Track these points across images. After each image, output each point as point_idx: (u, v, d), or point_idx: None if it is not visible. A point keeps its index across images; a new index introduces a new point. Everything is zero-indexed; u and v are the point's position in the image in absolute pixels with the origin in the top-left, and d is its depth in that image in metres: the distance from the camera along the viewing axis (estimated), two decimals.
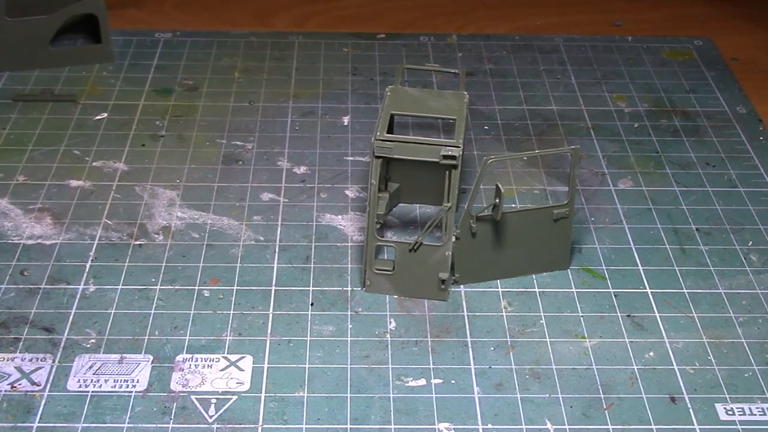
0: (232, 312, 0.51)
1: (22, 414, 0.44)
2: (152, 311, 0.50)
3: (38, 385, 0.46)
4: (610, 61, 0.75)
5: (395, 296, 0.52)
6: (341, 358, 0.48)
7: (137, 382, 0.46)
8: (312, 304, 0.51)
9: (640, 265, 0.54)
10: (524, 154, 0.59)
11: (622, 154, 0.64)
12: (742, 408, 0.46)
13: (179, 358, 0.48)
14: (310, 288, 0.52)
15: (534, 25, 0.81)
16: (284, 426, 0.44)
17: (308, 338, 0.49)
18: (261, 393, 0.46)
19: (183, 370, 0.47)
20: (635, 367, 0.48)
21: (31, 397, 0.45)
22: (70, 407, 0.45)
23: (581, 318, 0.51)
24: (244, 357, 0.48)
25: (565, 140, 0.65)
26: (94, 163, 0.61)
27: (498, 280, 0.53)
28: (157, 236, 0.56)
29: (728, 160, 0.64)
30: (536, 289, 0.53)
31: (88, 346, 0.48)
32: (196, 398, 0.46)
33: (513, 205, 0.58)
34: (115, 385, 0.46)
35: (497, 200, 0.49)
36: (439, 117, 0.53)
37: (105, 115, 0.66)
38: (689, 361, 0.48)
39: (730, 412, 0.46)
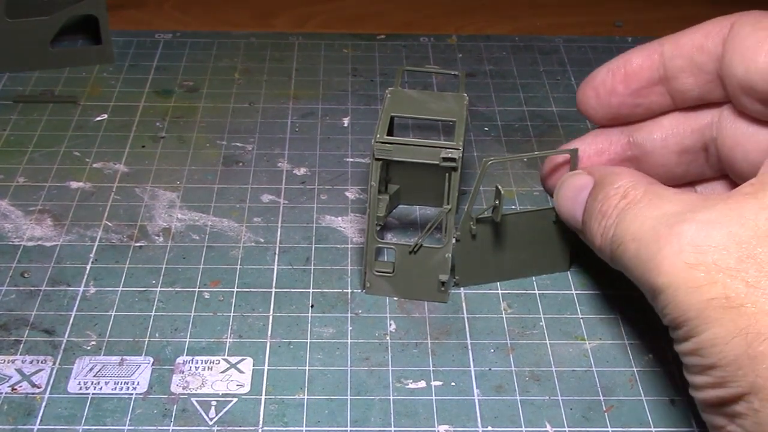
0: (232, 314, 0.51)
1: (23, 416, 0.44)
2: (152, 313, 0.50)
3: (39, 387, 0.46)
4: None
5: (395, 298, 0.52)
6: (341, 360, 0.48)
7: (137, 384, 0.46)
8: (312, 306, 0.51)
9: None
10: (524, 155, 0.59)
11: None
12: None
13: (179, 360, 0.48)
14: (310, 290, 0.52)
15: (534, 25, 0.81)
16: (284, 428, 0.44)
17: (308, 340, 0.49)
18: (261, 395, 0.46)
19: (183, 372, 0.47)
20: (635, 369, 0.48)
21: (31, 399, 0.45)
22: (70, 409, 0.45)
23: (581, 320, 0.51)
24: (244, 359, 0.48)
25: (565, 141, 0.65)
26: (95, 165, 0.62)
27: (498, 282, 0.53)
28: (157, 238, 0.56)
29: None
30: (536, 291, 0.53)
31: (89, 348, 0.48)
32: (196, 400, 0.46)
33: (513, 207, 0.58)
34: (115, 387, 0.46)
35: (497, 202, 0.49)
36: (439, 119, 0.53)
37: (105, 116, 0.67)
38: None
39: None
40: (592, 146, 0.51)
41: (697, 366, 0.39)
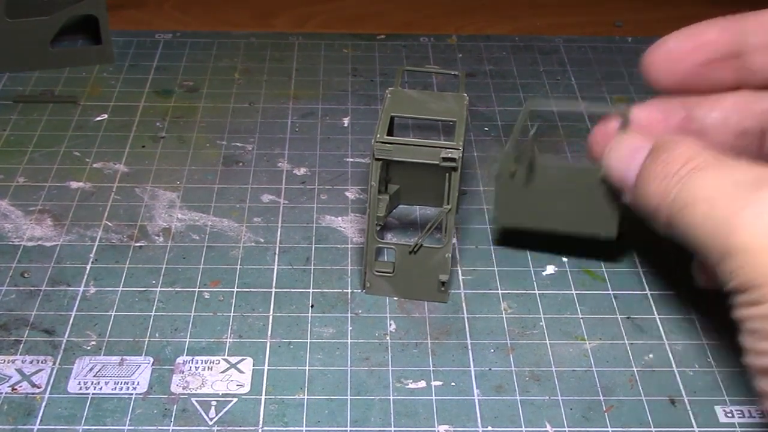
0: (232, 314, 0.51)
1: (23, 416, 0.44)
2: (152, 313, 0.50)
3: (39, 387, 0.46)
4: (610, 62, 0.75)
5: (395, 298, 0.52)
6: (341, 360, 0.48)
7: (137, 384, 0.46)
8: (312, 306, 0.51)
9: (639, 266, 0.54)
10: (572, 109, 0.59)
11: None
12: (741, 410, 0.46)
13: (179, 360, 0.48)
14: (310, 290, 0.52)
15: (534, 25, 0.81)
16: (284, 428, 0.44)
17: (308, 340, 0.49)
18: (261, 395, 0.46)
19: (183, 372, 0.47)
20: (635, 369, 0.48)
21: (31, 399, 0.45)
22: (70, 409, 0.45)
23: (581, 320, 0.51)
24: (244, 359, 0.48)
25: (565, 142, 0.65)
26: (95, 165, 0.62)
27: (498, 281, 0.53)
28: (157, 238, 0.56)
29: None
30: (536, 291, 0.53)
31: (89, 348, 0.48)
32: (196, 400, 0.46)
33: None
34: (115, 388, 0.46)
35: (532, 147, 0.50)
36: (439, 119, 0.53)
37: (105, 116, 0.67)
38: (689, 363, 0.48)
39: (729, 415, 0.46)
40: (651, 115, 0.50)
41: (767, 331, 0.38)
